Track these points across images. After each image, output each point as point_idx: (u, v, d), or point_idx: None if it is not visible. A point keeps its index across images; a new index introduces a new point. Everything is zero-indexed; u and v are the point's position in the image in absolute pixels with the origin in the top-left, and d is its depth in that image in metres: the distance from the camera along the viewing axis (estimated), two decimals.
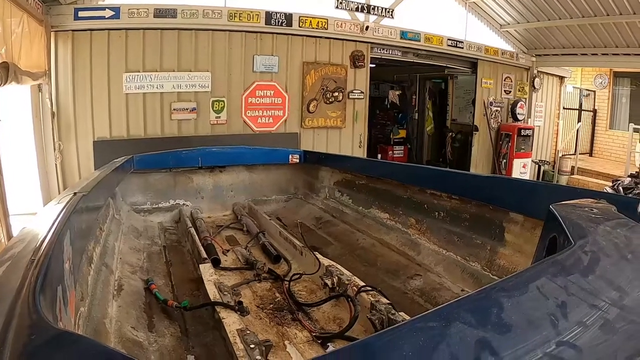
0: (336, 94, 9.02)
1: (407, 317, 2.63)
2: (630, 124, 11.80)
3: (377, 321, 2.69)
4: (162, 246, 4.08)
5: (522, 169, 11.33)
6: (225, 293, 2.80)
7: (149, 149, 5.61)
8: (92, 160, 7.05)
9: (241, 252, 4.04)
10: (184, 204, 5.06)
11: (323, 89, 8.87)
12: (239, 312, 2.62)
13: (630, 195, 9.18)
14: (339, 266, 3.32)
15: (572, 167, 12.47)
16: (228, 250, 4.12)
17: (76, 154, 7.12)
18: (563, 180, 12.23)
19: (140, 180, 4.91)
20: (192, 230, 4.12)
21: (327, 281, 3.18)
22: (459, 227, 3.67)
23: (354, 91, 9.24)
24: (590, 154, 14.69)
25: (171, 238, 4.34)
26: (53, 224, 1.90)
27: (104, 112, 7.20)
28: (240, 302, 2.73)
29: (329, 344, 2.74)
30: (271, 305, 3.16)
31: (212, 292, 2.81)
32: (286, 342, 2.75)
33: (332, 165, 5.44)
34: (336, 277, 3.17)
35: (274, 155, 5.70)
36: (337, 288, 3.17)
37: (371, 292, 2.92)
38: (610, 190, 9.56)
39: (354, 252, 4.13)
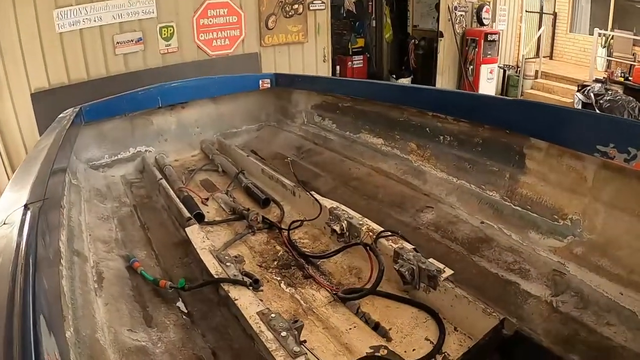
0: (296, 6, 8.22)
1: (440, 265, 2.30)
2: (595, 28, 11.50)
3: (406, 272, 2.33)
4: (132, 206, 3.53)
5: (489, 75, 11.02)
6: (227, 264, 2.35)
7: (95, 92, 4.80)
8: (34, 116, 6.18)
9: (222, 198, 3.55)
10: (146, 150, 4.42)
11: (281, 2, 8.05)
12: (251, 288, 2.20)
13: (601, 101, 9.06)
14: (343, 207, 2.90)
15: (536, 72, 12.23)
16: (207, 199, 3.61)
17: (14, 113, 6.18)
18: (527, 84, 12.03)
19: (93, 132, 4.20)
20: (163, 182, 3.58)
21: (334, 227, 2.78)
22: (469, 152, 3.27)
23: (315, 2, 8.47)
24: (551, 57, 14.45)
25: (140, 193, 3.77)
26: (14, 277, 1.34)
27: (37, 58, 6.21)
28: (257, 280, 2.30)
29: (354, 302, 2.38)
30: (275, 263, 2.75)
31: (212, 265, 2.36)
32: (305, 308, 2.37)
33: (310, 88, 4.87)
34: (345, 222, 2.76)
35: (242, 83, 5.05)
36: (347, 234, 2.77)
37: (391, 238, 2.55)
38: (580, 96, 9.41)
39: (349, 184, 3.69)
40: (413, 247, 2.47)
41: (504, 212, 2.97)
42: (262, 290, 2.30)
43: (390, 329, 2.25)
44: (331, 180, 3.78)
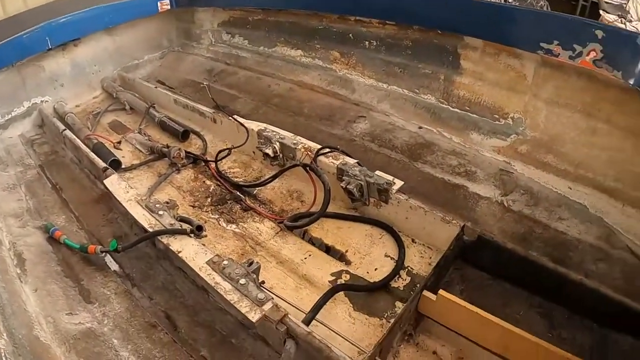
0: None
1: (388, 177, 2.16)
2: None
3: (354, 189, 2.16)
4: (37, 167, 3.06)
5: None
6: (160, 212, 2.02)
7: None
8: None
9: (137, 139, 3.13)
10: (42, 101, 3.80)
11: None
12: (193, 235, 1.90)
13: None
14: (272, 127, 2.64)
15: None
16: (119, 142, 3.17)
17: None
18: None
19: None
20: (68, 132, 3.08)
21: (266, 151, 2.51)
22: (399, 56, 3.07)
23: None
24: None
25: (43, 151, 3.27)
26: None
27: None
28: (200, 227, 1.96)
29: (298, 229, 2.19)
30: (209, 200, 2.47)
31: (143, 217, 2.01)
32: (252, 244, 2.15)
33: (214, 4, 4.33)
34: (277, 143, 2.50)
35: (139, 7, 4.30)
36: (281, 156, 2.53)
37: (331, 154, 2.34)
38: None
39: (270, 103, 3.40)
40: (356, 161, 2.29)
41: (442, 115, 2.85)
42: (206, 236, 2.01)
43: (346, 252, 2.10)
44: (250, 100, 3.46)
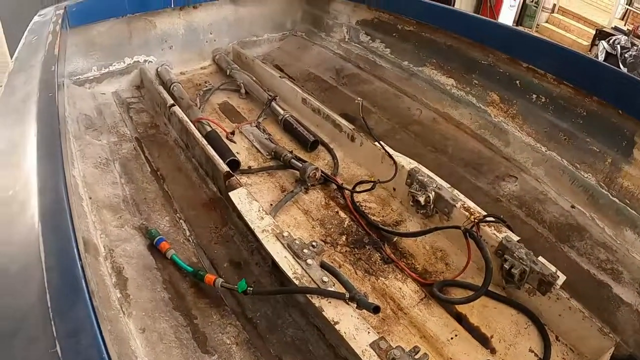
0: None
1: (552, 268, 1.95)
2: None
3: (517, 273, 1.96)
4: (134, 140, 2.75)
5: (512, 2, 10.29)
6: (308, 261, 1.69)
7: None
8: None
9: (254, 134, 2.89)
10: (145, 61, 3.47)
11: None
12: (361, 308, 1.60)
13: (626, 54, 8.51)
14: (424, 169, 2.40)
15: (554, 5, 11.44)
16: (233, 133, 2.88)
17: None
18: (543, 17, 11.30)
19: (78, 39, 3.14)
20: (178, 110, 2.76)
21: (419, 198, 2.29)
22: (567, 122, 2.77)
23: None
24: None
25: (142, 120, 2.98)
26: None
27: None
28: (377, 308, 1.59)
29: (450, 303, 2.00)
30: (344, 238, 2.23)
31: (285, 262, 1.71)
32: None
33: None
34: (432, 193, 2.28)
35: None
36: (432, 207, 2.31)
37: (494, 224, 2.13)
38: (606, 46, 8.82)
39: (409, 128, 3.10)
40: (518, 238, 2.08)
41: (600, 201, 2.58)
42: (376, 312, 1.63)
43: (492, 337, 1.93)
44: (386, 120, 3.16)
